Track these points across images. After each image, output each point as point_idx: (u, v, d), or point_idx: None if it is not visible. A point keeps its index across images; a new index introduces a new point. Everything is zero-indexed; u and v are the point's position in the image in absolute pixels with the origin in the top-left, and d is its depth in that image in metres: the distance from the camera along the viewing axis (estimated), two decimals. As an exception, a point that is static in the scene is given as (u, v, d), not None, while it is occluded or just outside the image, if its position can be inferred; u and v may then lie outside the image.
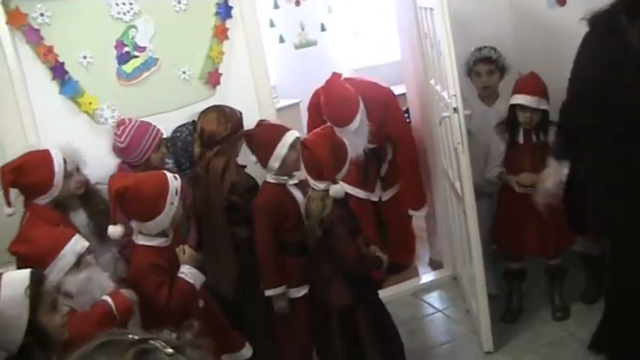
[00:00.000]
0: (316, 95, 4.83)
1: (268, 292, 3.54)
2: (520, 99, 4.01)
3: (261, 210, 3.59)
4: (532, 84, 4.04)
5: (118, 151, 3.70)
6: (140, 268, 3.06)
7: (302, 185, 3.67)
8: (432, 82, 4.44)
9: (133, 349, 1.21)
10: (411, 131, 4.97)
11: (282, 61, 9.47)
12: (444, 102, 4.00)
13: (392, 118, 4.76)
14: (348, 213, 3.56)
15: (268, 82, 4.33)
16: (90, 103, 3.91)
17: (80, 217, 3.55)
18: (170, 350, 1.22)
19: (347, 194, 3.62)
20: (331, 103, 4.48)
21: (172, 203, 3.02)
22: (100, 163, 3.77)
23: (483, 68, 4.34)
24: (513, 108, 4.05)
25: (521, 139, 4.11)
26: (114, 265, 3.54)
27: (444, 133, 4.23)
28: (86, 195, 3.61)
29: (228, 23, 4.12)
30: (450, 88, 3.70)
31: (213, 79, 4.12)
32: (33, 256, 2.56)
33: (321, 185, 3.46)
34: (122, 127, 3.67)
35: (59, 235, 2.76)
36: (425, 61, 4.66)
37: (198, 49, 4.08)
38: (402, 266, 5.13)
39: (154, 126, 3.70)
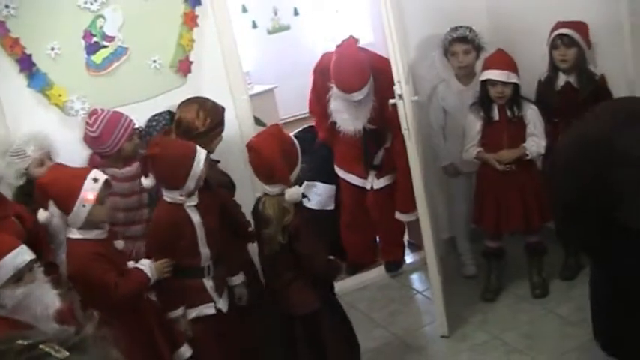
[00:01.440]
0: (324, 59, 4.54)
1: (169, 315, 3.31)
2: (489, 74, 4.04)
3: (152, 230, 3.41)
4: (500, 59, 4.08)
5: (89, 141, 3.63)
6: (81, 260, 2.97)
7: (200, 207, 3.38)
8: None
9: (22, 357, 1.13)
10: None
11: (256, 47, 9.42)
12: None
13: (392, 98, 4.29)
14: (309, 214, 3.47)
15: (240, 68, 4.29)
16: (60, 95, 3.86)
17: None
18: (65, 353, 1.13)
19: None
20: (342, 65, 4.20)
21: (84, 206, 2.94)
22: (71, 155, 3.70)
23: (460, 48, 4.31)
24: (484, 84, 4.07)
25: (496, 116, 4.11)
26: None
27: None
28: None
29: (198, 10, 4.07)
30: (395, 74, 3.71)
31: (184, 67, 4.08)
32: None
33: (275, 189, 3.26)
34: (94, 117, 3.62)
35: (5, 243, 2.64)
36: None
37: (168, 37, 4.03)
38: (396, 263, 4.94)
39: (127, 116, 3.66)
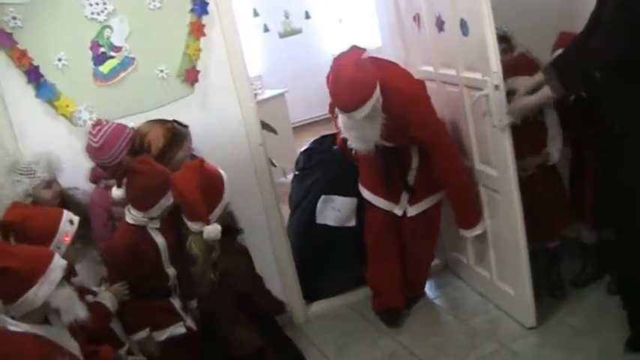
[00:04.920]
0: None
1: (133, 338, 3.27)
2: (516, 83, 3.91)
3: (112, 254, 3.32)
4: (525, 66, 3.92)
5: (91, 151, 3.61)
6: None
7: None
8: (428, 67, 4.35)
9: None
10: (446, 135, 4.09)
11: (267, 51, 9.44)
12: (463, 83, 3.93)
13: (416, 119, 3.90)
14: (238, 244, 3.37)
15: (247, 77, 4.27)
16: (67, 106, 3.88)
17: None
18: None
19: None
20: (337, 81, 3.76)
21: (59, 247, 2.88)
22: (78, 166, 3.72)
23: (498, 47, 4.18)
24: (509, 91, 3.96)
25: (519, 121, 4.03)
26: (94, 269, 3.52)
27: (468, 115, 4.03)
28: (62, 204, 3.57)
29: (205, 19, 4.06)
30: (492, 65, 3.58)
31: (191, 76, 4.08)
32: (23, 269, 2.46)
33: (195, 226, 3.12)
34: (98, 128, 3.60)
35: (43, 249, 2.67)
36: (409, 46, 4.61)
37: (174, 46, 4.03)
38: (414, 297, 4.54)
39: (131, 128, 3.65)
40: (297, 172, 5.12)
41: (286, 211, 5.06)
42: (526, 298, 3.91)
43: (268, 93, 7.92)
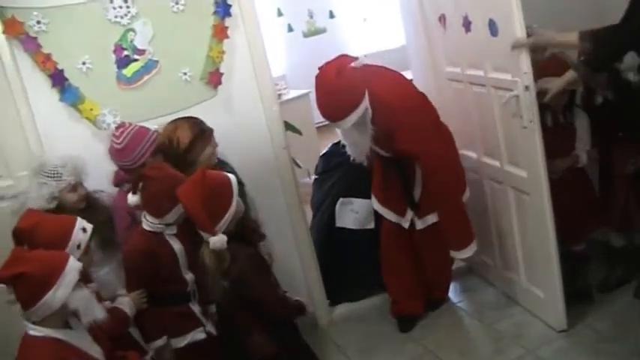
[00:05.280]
0: None
1: (151, 346, 3.24)
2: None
3: (127, 260, 3.31)
4: (556, 66, 3.84)
5: (114, 152, 3.60)
6: None
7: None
8: (454, 68, 4.30)
9: None
10: (435, 149, 3.86)
11: (291, 51, 9.42)
12: (491, 84, 3.88)
13: (402, 131, 3.79)
14: (255, 251, 3.33)
15: (271, 79, 4.27)
16: (91, 109, 3.89)
17: None
18: None
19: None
20: (319, 92, 3.74)
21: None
22: (102, 169, 3.73)
23: None
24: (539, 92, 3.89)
25: (549, 122, 3.97)
26: (117, 275, 3.53)
27: (496, 115, 3.96)
28: (87, 207, 3.58)
29: (228, 22, 4.05)
30: (522, 65, 3.54)
31: (214, 79, 4.07)
32: (39, 273, 2.48)
33: (205, 235, 3.12)
34: (121, 130, 3.60)
35: (57, 253, 2.68)
36: (433, 47, 4.57)
37: (197, 49, 4.03)
38: (436, 301, 4.49)
39: (154, 131, 3.64)
40: (316, 176, 5.10)
41: (310, 212, 5.04)
42: (557, 301, 3.86)
43: (292, 93, 7.90)
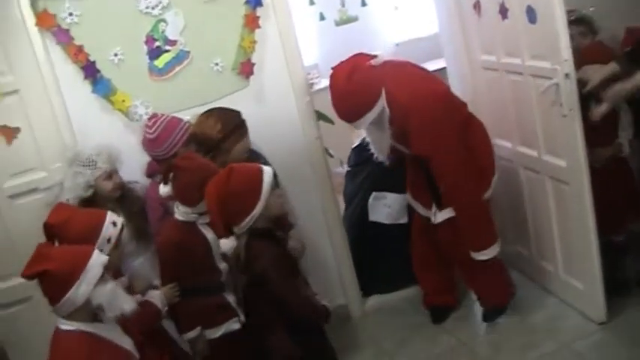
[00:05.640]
0: None
1: (185, 337, 3.28)
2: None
3: (161, 251, 3.32)
4: (599, 53, 3.76)
5: (147, 143, 3.63)
6: None
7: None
8: (490, 56, 4.21)
9: None
10: (448, 151, 3.72)
11: (323, 39, 9.34)
12: (529, 72, 3.80)
13: (415, 132, 3.68)
14: (281, 251, 3.27)
15: (303, 70, 4.23)
16: (123, 101, 3.88)
17: None
18: None
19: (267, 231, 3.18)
20: (333, 93, 3.73)
21: (101, 250, 2.80)
22: (134, 161, 3.76)
23: (576, 30, 3.89)
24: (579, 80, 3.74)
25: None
26: (151, 266, 3.54)
27: (534, 104, 3.85)
28: (122, 197, 3.60)
29: (259, 11, 4.02)
30: (563, 53, 3.45)
31: (246, 69, 4.05)
32: (61, 270, 2.49)
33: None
34: (153, 120, 3.63)
35: (81, 248, 2.67)
36: (468, 34, 4.48)
37: (229, 39, 4.01)
38: (496, 310, 4.16)
39: (186, 121, 3.65)
40: (349, 169, 5.03)
41: (342, 201, 5.00)
42: (596, 292, 3.79)
43: (324, 82, 7.83)
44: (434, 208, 3.98)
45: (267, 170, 3.18)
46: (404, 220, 4.55)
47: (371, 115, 3.66)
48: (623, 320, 3.83)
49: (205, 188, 3.08)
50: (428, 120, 3.65)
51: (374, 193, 4.63)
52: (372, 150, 4.01)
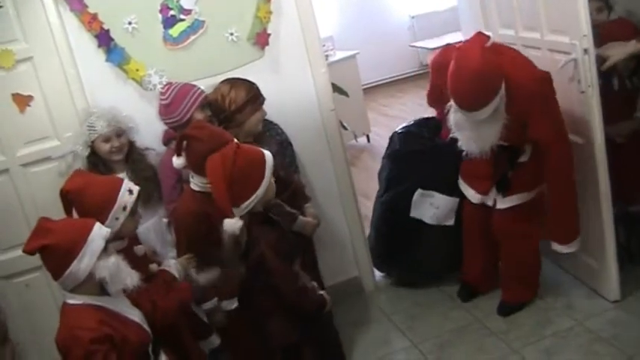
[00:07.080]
0: (444, 54, 3.80)
1: (202, 307, 3.19)
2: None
3: (179, 221, 3.21)
4: (624, 30, 3.69)
5: (162, 110, 3.60)
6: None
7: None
8: (508, 30, 4.15)
9: None
10: (565, 137, 3.58)
11: (340, 11, 9.31)
12: (547, 47, 3.75)
13: (538, 118, 3.47)
14: (278, 235, 3.20)
15: (319, 41, 4.17)
16: (137, 70, 3.85)
17: None
18: None
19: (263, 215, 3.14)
20: (460, 77, 3.37)
21: (117, 218, 2.86)
22: (150, 131, 3.75)
23: (593, 5, 3.73)
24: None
25: (616, 86, 3.82)
26: (161, 231, 3.52)
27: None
28: (133, 160, 3.62)
29: (276, -19, 3.97)
30: (582, 27, 3.39)
31: (261, 39, 4.00)
32: (62, 245, 2.46)
33: None
34: (167, 87, 3.61)
35: (82, 222, 2.65)
36: (486, 8, 4.41)
37: (245, 9, 3.95)
38: (511, 305, 4.05)
39: (198, 87, 3.60)
40: (390, 152, 4.60)
41: (356, 174, 4.91)
42: (610, 271, 3.78)
43: (339, 54, 7.79)
44: (492, 193, 3.89)
45: (268, 153, 3.11)
46: (450, 222, 4.25)
47: (493, 104, 3.37)
48: (636, 298, 3.82)
49: (207, 164, 2.98)
50: (552, 107, 3.52)
51: (420, 190, 4.25)
52: (465, 145, 3.66)
